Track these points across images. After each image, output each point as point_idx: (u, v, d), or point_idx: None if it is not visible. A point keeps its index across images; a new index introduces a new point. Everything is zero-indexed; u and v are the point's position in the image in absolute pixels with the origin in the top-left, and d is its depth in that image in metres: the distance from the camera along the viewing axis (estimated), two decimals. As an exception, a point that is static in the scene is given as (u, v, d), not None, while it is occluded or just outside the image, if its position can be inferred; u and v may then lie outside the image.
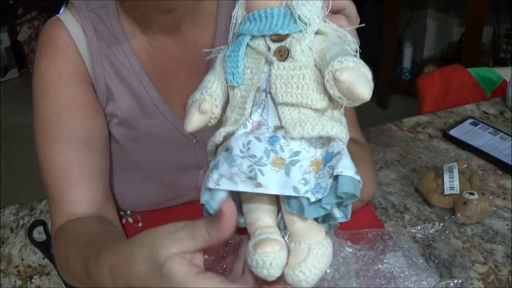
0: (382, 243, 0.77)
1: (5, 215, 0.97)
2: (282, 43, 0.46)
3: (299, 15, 0.46)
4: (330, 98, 0.45)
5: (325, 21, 0.48)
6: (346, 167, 0.43)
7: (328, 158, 0.44)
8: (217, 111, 0.48)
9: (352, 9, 0.52)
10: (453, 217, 0.85)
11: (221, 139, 0.47)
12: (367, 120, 1.25)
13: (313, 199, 0.43)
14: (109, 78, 0.79)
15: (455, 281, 0.74)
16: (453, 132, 1.07)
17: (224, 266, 0.71)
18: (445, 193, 0.88)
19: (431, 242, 0.82)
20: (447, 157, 1.02)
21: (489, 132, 1.06)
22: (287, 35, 0.47)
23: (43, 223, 0.87)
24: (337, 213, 0.47)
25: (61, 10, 0.81)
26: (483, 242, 0.83)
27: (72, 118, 0.75)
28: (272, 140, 0.44)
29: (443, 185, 0.89)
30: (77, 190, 0.73)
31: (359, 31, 0.53)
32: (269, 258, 0.44)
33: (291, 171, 0.43)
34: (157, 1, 0.71)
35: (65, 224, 0.73)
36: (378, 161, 1.01)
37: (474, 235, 0.84)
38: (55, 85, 0.76)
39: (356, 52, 0.48)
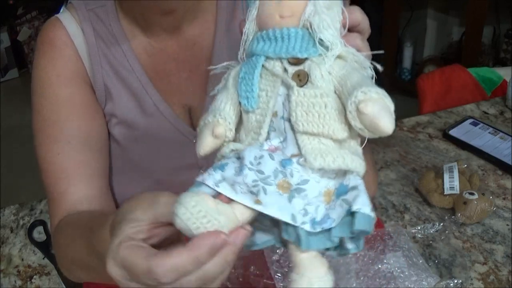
0: (382, 243, 0.77)
1: (5, 215, 0.97)
2: (301, 67, 0.44)
3: (320, 39, 0.44)
4: (350, 128, 0.44)
5: (345, 45, 0.46)
6: (364, 204, 0.42)
7: (342, 191, 0.43)
8: (231, 135, 0.47)
9: (365, 23, 0.50)
10: (453, 217, 0.85)
11: (228, 151, 0.47)
12: (367, 120, 1.26)
13: (315, 229, 0.42)
14: (108, 78, 0.79)
15: (455, 281, 0.74)
16: (453, 132, 1.07)
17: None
18: (445, 193, 0.88)
19: (431, 242, 0.82)
20: (447, 157, 1.02)
21: (489, 132, 1.06)
22: (305, 59, 0.44)
23: (43, 223, 0.87)
24: (349, 244, 0.46)
25: (61, 10, 0.81)
26: (483, 242, 0.83)
27: (71, 118, 0.75)
28: (285, 163, 0.43)
29: (443, 185, 0.89)
30: (77, 190, 0.73)
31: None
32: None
33: (294, 198, 0.43)
34: (157, 2, 0.71)
35: (63, 218, 0.72)
36: (378, 161, 1.01)
37: (474, 235, 0.84)
38: (54, 85, 0.76)
39: (372, 78, 0.47)
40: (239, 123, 0.48)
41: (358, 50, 0.47)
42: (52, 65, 0.76)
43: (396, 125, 1.17)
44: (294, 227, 0.43)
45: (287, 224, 0.43)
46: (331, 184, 0.44)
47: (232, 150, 0.46)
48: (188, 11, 0.77)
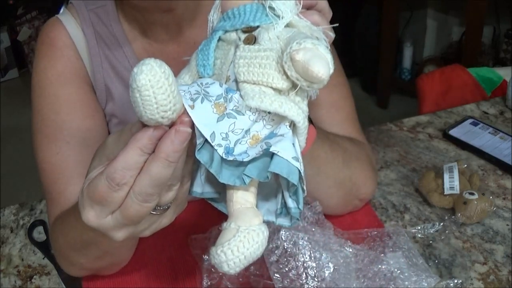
0: (382, 243, 0.77)
1: (5, 215, 0.97)
2: (252, 33, 0.47)
3: (270, 8, 0.47)
4: (293, 83, 0.45)
5: (299, 16, 0.48)
6: (284, 149, 0.42)
7: (269, 136, 0.44)
8: None
9: (323, 4, 0.53)
10: (453, 217, 0.85)
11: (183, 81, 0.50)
12: (367, 120, 1.26)
13: (227, 157, 0.43)
14: (109, 78, 0.79)
15: (455, 281, 0.74)
16: (453, 132, 1.07)
17: (224, 266, 0.71)
18: (445, 193, 0.88)
19: (431, 242, 0.82)
20: (447, 157, 1.02)
21: (489, 132, 1.06)
22: (257, 27, 0.47)
23: (43, 223, 0.87)
24: (290, 203, 0.47)
25: (61, 10, 0.81)
26: (483, 242, 0.83)
27: (70, 118, 0.75)
28: (228, 90, 0.46)
29: (443, 185, 0.89)
30: (76, 190, 0.73)
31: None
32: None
33: (223, 121, 0.44)
34: (157, 1, 0.71)
35: (59, 214, 0.73)
36: (378, 161, 1.01)
37: (474, 235, 0.84)
38: (54, 86, 0.76)
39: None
40: None
41: (316, 24, 0.49)
42: (52, 66, 0.76)
43: (396, 125, 1.17)
44: (211, 148, 0.44)
45: (205, 143, 0.44)
46: (264, 131, 0.45)
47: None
48: (188, 10, 0.77)
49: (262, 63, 0.45)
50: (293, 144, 0.44)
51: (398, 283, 0.71)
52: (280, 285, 0.70)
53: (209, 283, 0.71)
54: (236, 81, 0.46)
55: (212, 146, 0.44)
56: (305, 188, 0.45)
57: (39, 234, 0.87)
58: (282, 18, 0.47)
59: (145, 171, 0.44)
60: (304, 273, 0.70)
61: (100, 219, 0.46)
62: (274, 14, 0.47)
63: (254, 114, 0.45)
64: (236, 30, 0.48)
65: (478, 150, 1.02)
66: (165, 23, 0.77)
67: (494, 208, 0.87)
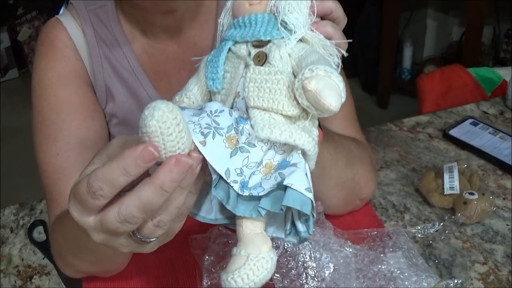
0: (382, 243, 0.77)
1: (5, 215, 0.97)
2: (262, 49, 0.46)
3: (283, 22, 0.46)
4: (304, 109, 0.44)
5: (312, 31, 0.47)
6: (297, 181, 0.42)
7: (282, 166, 0.44)
8: None
9: (339, 11, 0.52)
10: (453, 217, 0.85)
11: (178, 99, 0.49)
12: (367, 120, 1.26)
13: (243, 192, 0.43)
14: (109, 79, 0.79)
15: (455, 281, 0.74)
16: (453, 132, 1.07)
17: (224, 266, 0.71)
18: (445, 193, 0.88)
19: (431, 242, 0.82)
20: (447, 157, 1.02)
21: (489, 132, 1.06)
22: (269, 41, 0.46)
23: (43, 223, 0.87)
24: (300, 227, 0.46)
25: (61, 11, 0.81)
26: (483, 242, 0.83)
27: (70, 118, 0.75)
28: (239, 120, 0.45)
29: (443, 185, 0.89)
30: (76, 190, 0.73)
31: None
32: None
33: (236, 155, 0.44)
34: (158, 2, 0.71)
35: (58, 215, 0.72)
36: (378, 161, 1.01)
37: (474, 235, 0.84)
38: (54, 86, 0.76)
39: (338, 66, 0.47)
40: None
41: (329, 38, 0.48)
42: (52, 66, 0.76)
43: (396, 125, 1.17)
44: (226, 184, 0.43)
45: (220, 179, 0.44)
46: (276, 158, 0.45)
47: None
48: (188, 11, 0.77)
49: (272, 88, 0.44)
50: (306, 174, 0.43)
51: (398, 283, 0.71)
52: (280, 285, 0.70)
53: (209, 283, 0.71)
54: (245, 98, 0.46)
55: (226, 182, 0.43)
56: (315, 214, 0.44)
57: (39, 234, 0.87)
58: (294, 33, 0.46)
59: (135, 192, 0.42)
60: (304, 273, 0.70)
61: (82, 217, 0.45)
62: (286, 28, 0.46)
63: (266, 144, 0.44)
64: (246, 42, 0.47)
65: (478, 150, 1.02)
66: (165, 24, 0.77)
67: (494, 208, 0.87)
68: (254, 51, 0.46)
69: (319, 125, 0.62)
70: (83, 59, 0.78)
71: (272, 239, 0.47)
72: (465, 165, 0.94)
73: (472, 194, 0.86)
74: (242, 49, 0.47)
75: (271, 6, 0.47)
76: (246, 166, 0.44)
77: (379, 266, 0.73)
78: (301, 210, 0.42)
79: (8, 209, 0.98)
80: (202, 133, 0.44)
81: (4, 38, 3.32)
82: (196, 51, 0.81)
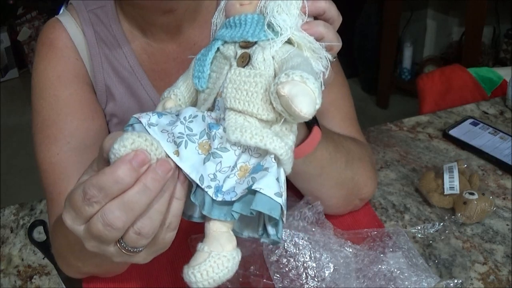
0: (382, 243, 0.77)
1: (5, 215, 0.97)
2: (248, 50, 0.46)
3: (269, 23, 0.46)
4: (280, 114, 0.44)
5: (301, 32, 0.47)
6: (267, 186, 0.42)
7: (256, 170, 0.44)
8: None
9: (332, 11, 0.51)
10: (453, 217, 0.85)
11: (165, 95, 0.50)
12: (367, 120, 1.25)
13: (216, 197, 0.43)
14: (109, 79, 0.79)
15: (455, 281, 0.74)
16: (453, 132, 1.07)
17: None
18: (445, 193, 0.88)
19: (431, 242, 0.82)
20: (447, 157, 1.02)
21: (489, 132, 1.06)
22: (255, 43, 0.46)
23: (43, 223, 0.87)
24: (270, 230, 0.47)
25: (61, 11, 0.81)
26: (483, 242, 0.83)
27: (70, 118, 0.75)
28: (211, 126, 0.45)
29: (443, 185, 0.89)
30: (76, 191, 0.73)
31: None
32: None
33: (209, 161, 0.44)
34: (157, 2, 0.71)
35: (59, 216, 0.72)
36: (378, 161, 1.01)
37: (474, 235, 0.84)
38: (54, 86, 0.76)
39: (327, 69, 0.47)
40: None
41: (321, 38, 0.48)
42: (52, 67, 0.76)
43: (396, 125, 1.17)
44: (202, 191, 0.44)
45: (197, 186, 0.44)
46: (251, 161, 0.45)
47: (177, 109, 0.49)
48: (188, 11, 0.77)
49: (249, 91, 0.44)
50: (277, 178, 0.43)
51: (398, 283, 0.71)
52: (280, 285, 0.70)
53: (209, 283, 0.71)
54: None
55: (201, 188, 0.44)
56: (284, 219, 0.44)
57: (39, 234, 0.87)
58: (280, 35, 0.46)
59: (120, 195, 0.42)
60: (304, 273, 0.70)
61: (74, 224, 0.45)
62: (274, 30, 0.46)
63: (239, 147, 0.45)
64: (235, 42, 0.47)
65: (478, 150, 1.02)
66: (165, 24, 0.77)
67: (494, 208, 0.87)
68: (240, 52, 0.47)
69: (318, 125, 0.62)
70: (83, 59, 0.78)
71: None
72: (465, 165, 0.94)
73: (472, 194, 0.86)
74: (230, 50, 0.47)
75: (261, 7, 0.47)
76: (220, 171, 0.44)
77: (379, 266, 0.73)
78: (269, 215, 0.42)
79: (8, 209, 0.98)
80: (175, 143, 0.45)
81: (4, 38, 3.32)
82: (196, 51, 0.80)
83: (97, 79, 0.78)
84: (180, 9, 0.75)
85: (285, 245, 0.72)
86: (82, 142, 0.76)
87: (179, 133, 0.45)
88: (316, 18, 0.50)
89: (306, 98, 0.41)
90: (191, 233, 0.78)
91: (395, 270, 0.72)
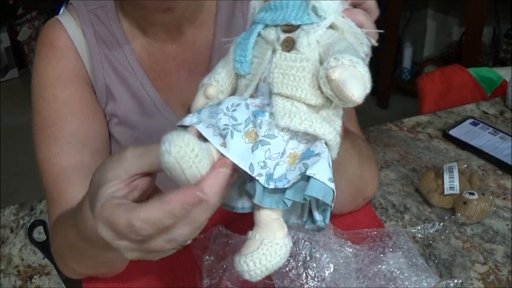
0: (382, 243, 0.77)
1: (5, 215, 0.97)
2: (291, 34, 0.46)
3: (314, 7, 0.45)
4: (328, 98, 0.44)
5: (343, 17, 0.47)
6: (320, 171, 0.42)
7: (307, 156, 0.43)
8: (222, 97, 0.49)
9: (371, 3, 0.52)
10: (453, 217, 0.85)
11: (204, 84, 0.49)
12: (367, 120, 1.25)
13: (268, 185, 0.43)
14: (109, 78, 0.79)
15: (455, 281, 0.74)
16: (453, 132, 1.07)
17: (224, 266, 0.71)
18: (445, 193, 0.88)
19: (431, 242, 0.82)
20: (447, 157, 1.02)
21: (489, 132, 1.06)
22: (298, 26, 0.46)
23: (43, 223, 0.87)
24: (317, 216, 0.47)
25: (61, 11, 0.81)
26: (483, 242, 0.83)
27: (70, 118, 0.75)
28: (256, 113, 0.44)
29: (443, 185, 0.89)
30: (76, 190, 0.73)
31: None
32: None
33: (257, 149, 0.43)
34: (157, 2, 0.71)
35: (59, 216, 0.72)
36: (378, 161, 1.01)
37: (474, 235, 0.84)
38: (54, 87, 0.76)
39: (367, 56, 0.47)
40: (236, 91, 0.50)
41: (360, 26, 0.48)
42: (52, 67, 0.76)
43: (396, 125, 1.16)
44: (252, 180, 0.44)
45: (251, 176, 0.44)
46: (300, 147, 0.44)
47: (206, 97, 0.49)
48: (188, 10, 0.77)
49: (297, 76, 0.44)
50: (329, 164, 0.43)
51: (398, 283, 0.71)
52: (280, 285, 0.70)
53: (209, 283, 0.71)
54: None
55: (252, 177, 0.44)
56: (333, 205, 0.44)
57: (39, 234, 0.87)
58: (324, 19, 0.45)
59: (187, 222, 0.43)
60: (304, 273, 0.70)
61: (115, 240, 0.45)
62: (317, 14, 0.46)
63: (286, 133, 0.44)
64: (276, 26, 0.46)
65: (478, 150, 1.02)
66: (165, 23, 0.77)
67: (494, 208, 0.87)
68: (283, 36, 0.46)
69: None
70: (83, 59, 0.78)
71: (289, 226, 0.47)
72: (465, 165, 0.94)
73: (472, 194, 0.86)
74: (272, 34, 0.46)
75: None
76: (269, 158, 0.44)
77: (379, 266, 0.73)
78: (323, 200, 0.42)
79: (8, 209, 0.98)
80: (221, 135, 0.44)
81: (4, 38, 3.32)
82: (196, 50, 0.81)
83: (97, 79, 0.78)
84: (179, 9, 0.75)
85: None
86: (82, 142, 0.76)
87: (224, 125, 0.44)
88: (354, 7, 0.50)
89: (357, 82, 0.40)
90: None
91: (395, 270, 0.72)
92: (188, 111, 0.82)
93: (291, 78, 0.44)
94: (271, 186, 0.43)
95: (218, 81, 0.49)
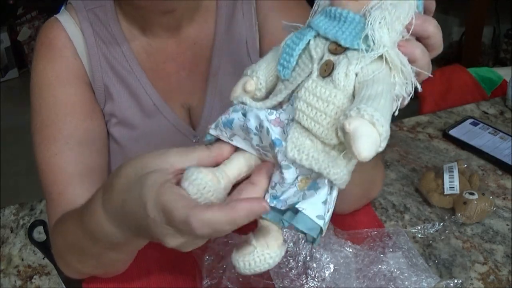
0: (382, 243, 0.77)
1: (5, 215, 0.97)
2: (335, 57, 0.43)
3: (366, 35, 0.42)
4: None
5: (396, 49, 0.43)
6: (310, 207, 0.43)
7: (312, 186, 0.44)
8: (259, 94, 0.50)
9: (437, 39, 0.47)
10: (453, 217, 0.85)
11: (237, 102, 0.49)
12: (367, 120, 1.25)
13: (271, 203, 0.45)
14: (107, 78, 0.79)
15: (455, 281, 0.74)
16: (453, 132, 1.07)
17: (224, 266, 0.71)
18: (445, 193, 0.88)
19: (431, 242, 0.82)
20: (447, 157, 1.02)
21: (489, 132, 1.06)
22: (345, 49, 0.43)
23: (43, 223, 0.87)
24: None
25: (60, 11, 0.81)
26: (483, 242, 0.83)
27: (69, 118, 0.75)
28: (275, 142, 0.45)
29: (443, 185, 0.89)
30: (75, 191, 0.73)
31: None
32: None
33: (273, 173, 0.46)
34: (157, 2, 0.71)
35: (60, 216, 0.72)
36: (378, 161, 1.01)
37: (474, 235, 0.84)
38: (53, 87, 0.76)
39: (409, 95, 0.45)
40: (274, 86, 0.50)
41: (413, 61, 0.45)
42: (51, 66, 0.76)
43: (396, 125, 1.16)
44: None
45: None
46: (313, 175, 0.45)
47: (241, 103, 0.48)
48: (188, 10, 0.77)
49: (320, 111, 0.42)
50: (325, 201, 0.43)
51: (398, 283, 0.71)
52: (280, 285, 0.70)
53: (209, 283, 0.71)
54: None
55: None
56: (324, 233, 0.45)
57: (39, 234, 0.87)
58: (372, 50, 0.42)
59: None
60: (304, 273, 0.70)
61: (161, 223, 0.46)
62: (367, 43, 0.43)
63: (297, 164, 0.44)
64: (326, 40, 0.44)
65: (478, 150, 1.02)
66: (164, 23, 0.77)
67: (494, 208, 0.87)
68: (326, 57, 0.44)
69: None
70: (82, 59, 0.78)
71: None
72: (465, 165, 0.94)
73: (472, 194, 0.86)
74: (318, 49, 0.45)
75: (367, 9, 0.43)
76: (280, 184, 0.45)
77: (379, 266, 0.73)
78: (311, 235, 0.44)
79: (8, 209, 0.98)
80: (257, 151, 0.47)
81: (4, 38, 3.32)
82: (196, 51, 0.81)
83: (96, 78, 0.78)
84: (179, 9, 0.75)
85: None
86: (81, 142, 0.75)
87: (256, 145, 0.47)
88: (417, 39, 0.46)
89: (369, 141, 0.38)
90: (191, 233, 0.78)
91: (395, 270, 0.72)
92: (187, 110, 0.83)
93: (314, 111, 0.43)
94: (272, 204, 0.45)
95: (259, 77, 0.49)
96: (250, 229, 0.48)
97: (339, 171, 0.43)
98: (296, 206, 0.43)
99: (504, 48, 2.62)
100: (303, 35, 0.46)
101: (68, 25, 0.77)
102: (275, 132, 0.45)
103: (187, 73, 0.81)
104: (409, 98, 0.45)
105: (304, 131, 0.44)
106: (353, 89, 0.43)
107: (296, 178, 0.45)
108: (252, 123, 0.45)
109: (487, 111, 1.17)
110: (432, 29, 0.46)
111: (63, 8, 0.81)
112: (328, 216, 0.44)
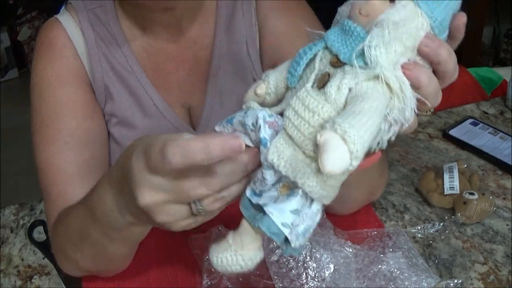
0: (382, 243, 0.77)
1: (5, 215, 0.97)
2: (333, 70, 0.43)
3: (362, 53, 0.42)
4: None
5: (398, 71, 0.41)
6: (278, 212, 0.43)
7: (291, 193, 0.45)
8: (269, 99, 0.50)
9: (450, 67, 0.44)
10: (453, 217, 0.85)
11: (246, 106, 0.50)
12: (367, 120, 1.25)
13: (250, 197, 0.46)
14: (108, 78, 0.79)
15: (455, 281, 0.74)
16: (453, 132, 1.07)
17: (224, 266, 0.71)
18: (445, 193, 0.88)
19: (431, 242, 0.82)
20: (447, 157, 1.02)
21: (489, 132, 1.06)
22: (344, 64, 0.43)
23: (43, 223, 0.87)
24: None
25: (60, 11, 0.81)
26: (483, 242, 0.83)
27: (69, 118, 0.75)
28: (262, 141, 0.45)
29: (443, 185, 0.89)
30: (75, 191, 0.73)
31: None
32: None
33: (258, 168, 0.46)
34: (157, 2, 0.71)
35: (59, 214, 0.72)
36: (378, 161, 1.01)
37: (474, 235, 0.84)
38: (52, 87, 0.76)
39: (407, 122, 0.42)
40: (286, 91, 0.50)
41: (417, 88, 0.42)
42: (51, 67, 0.76)
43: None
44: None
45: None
46: (293, 184, 0.45)
47: (248, 107, 0.49)
48: (188, 10, 0.77)
49: (305, 120, 0.42)
50: (295, 210, 0.43)
51: (398, 283, 0.71)
52: (280, 285, 0.70)
53: (209, 283, 0.71)
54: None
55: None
56: (298, 244, 0.45)
57: (39, 234, 0.87)
58: (369, 69, 0.41)
59: (221, 173, 0.45)
60: (304, 273, 0.70)
61: (141, 171, 0.46)
62: (365, 58, 0.42)
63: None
64: (331, 53, 0.44)
65: (478, 150, 1.02)
66: (165, 22, 0.77)
67: (494, 208, 0.87)
68: (327, 69, 0.44)
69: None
70: (82, 59, 0.78)
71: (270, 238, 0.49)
72: (465, 165, 0.94)
73: (472, 194, 0.86)
74: (323, 61, 0.45)
75: (372, 25, 0.42)
76: (260, 182, 0.45)
77: (379, 266, 0.73)
78: (271, 237, 0.44)
79: (8, 209, 0.98)
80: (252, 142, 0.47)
81: (4, 38, 3.32)
82: (196, 50, 0.81)
83: (96, 78, 0.78)
84: (179, 9, 0.75)
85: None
86: (81, 142, 0.75)
87: (253, 140, 0.47)
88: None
89: (335, 157, 0.37)
90: (190, 233, 0.78)
91: (395, 270, 0.72)
92: (188, 110, 0.83)
93: (299, 120, 0.42)
94: (249, 197, 0.46)
95: (270, 82, 0.50)
96: None
97: (315, 184, 0.42)
98: (264, 207, 0.44)
99: (504, 48, 2.62)
100: (315, 45, 0.46)
101: (68, 25, 0.77)
102: (266, 132, 0.45)
103: (187, 73, 0.81)
104: (407, 124, 0.42)
105: (289, 139, 0.44)
106: (344, 103, 0.42)
107: (278, 182, 0.45)
108: (249, 119, 0.46)
109: (487, 111, 1.17)
110: (445, 55, 0.43)
111: (63, 8, 0.81)
112: (302, 229, 0.43)
